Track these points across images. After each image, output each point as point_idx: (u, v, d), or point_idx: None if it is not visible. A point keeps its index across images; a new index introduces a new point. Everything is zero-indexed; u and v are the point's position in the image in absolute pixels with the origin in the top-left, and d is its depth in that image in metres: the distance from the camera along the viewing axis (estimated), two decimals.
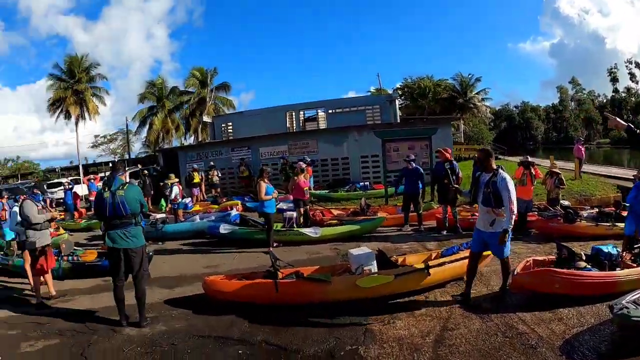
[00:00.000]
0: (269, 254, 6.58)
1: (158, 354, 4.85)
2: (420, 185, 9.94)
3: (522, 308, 4.93)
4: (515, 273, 5.12)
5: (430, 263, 5.58)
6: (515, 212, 4.93)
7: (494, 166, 5.11)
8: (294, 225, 9.68)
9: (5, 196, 11.84)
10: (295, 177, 10.32)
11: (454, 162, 9.67)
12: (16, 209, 8.48)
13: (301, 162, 10.95)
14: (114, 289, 5.70)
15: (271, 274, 5.69)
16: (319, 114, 26.54)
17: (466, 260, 5.40)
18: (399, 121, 24.48)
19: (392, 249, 7.93)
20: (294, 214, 9.92)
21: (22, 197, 7.76)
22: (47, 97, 40.16)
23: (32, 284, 8.15)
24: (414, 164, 10.02)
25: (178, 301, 6.62)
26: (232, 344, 4.81)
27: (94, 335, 5.63)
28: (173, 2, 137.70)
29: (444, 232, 9.27)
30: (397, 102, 25.94)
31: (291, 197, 12.03)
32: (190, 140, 45.48)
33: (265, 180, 8.96)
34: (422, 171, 10.24)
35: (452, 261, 5.77)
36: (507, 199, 4.83)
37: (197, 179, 17.67)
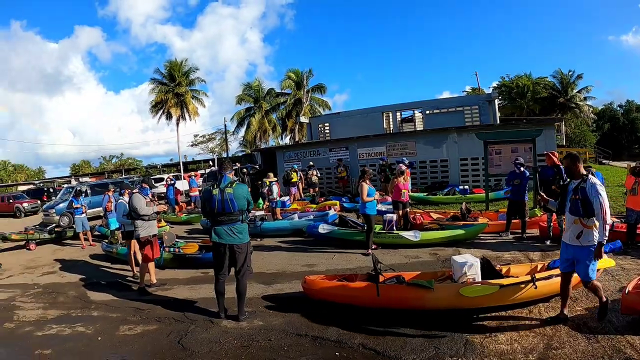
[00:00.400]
0: (370, 256, 6.54)
1: (254, 349, 4.94)
2: (526, 191, 9.44)
3: (632, 330, 4.47)
4: (626, 292, 4.60)
5: (537, 275, 5.21)
6: (609, 222, 4.42)
7: (583, 172, 4.65)
8: (394, 228, 9.52)
9: (112, 189, 12.74)
10: (395, 179, 10.19)
11: (562, 167, 9.10)
12: (122, 201, 9.19)
13: (401, 164, 10.80)
14: (215, 282, 5.91)
15: (372, 277, 5.58)
16: (416, 114, 26.17)
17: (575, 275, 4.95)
18: (498, 122, 23.36)
19: (493, 257, 7.54)
20: (394, 217, 9.74)
21: (132, 191, 8.24)
22: (148, 99, 43.26)
23: (133, 271, 8.89)
24: (522, 168, 9.52)
25: (276, 298, 6.73)
26: (329, 345, 4.81)
27: (191, 325, 5.89)
28: (264, 7, 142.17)
29: (548, 242, 8.63)
30: (496, 101, 24.87)
31: (390, 199, 11.94)
32: (286, 140, 46.70)
33: (367, 182, 8.89)
34: (529, 175, 9.69)
35: (559, 274, 5.28)
36: (598, 207, 4.34)
37: (295, 178, 18.03)
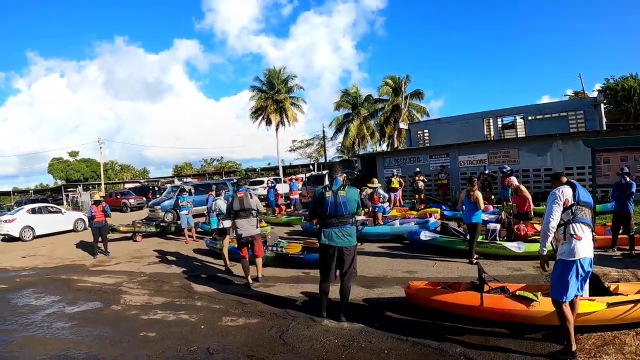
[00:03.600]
0: (476, 264, 6.51)
1: (354, 349, 4.98)
2: (632, 204, 8.80)
3: None
4: None
5: None
6: None
7: None
8: (497, 238, 9.39)
9: (214, 189, 13.43)
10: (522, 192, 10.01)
11: None
12: (220, 201, 9.97)
13: (513, 178, 10.67)
14: (321, 282, 6.08)
15: (477, 286, 5.56)
16: (517, 120, 25.25)
17: None
18: (605, 128, 21.79)
19: (600, 274, 6.93)
20: (498, 226, 9.63)
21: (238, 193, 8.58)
22: (247, 106, 45.81)
23: (226, 265, 9.76)
24: (627, 178, 8.93)
25: (377, 301, 6.79)
26: (430, 352, 4.77)
27: (293, 322, 6.05)
28: (355, 15, 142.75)
29: None
30: (602, 106, 23.22)
31: (491, 208, 11.82)
32: (384, 146, 46.73)
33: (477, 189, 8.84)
34: (635, 187, 8.96)
35: None
36: None
37: (395, 184, 18.18)
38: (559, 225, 4.46)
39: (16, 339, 6.45)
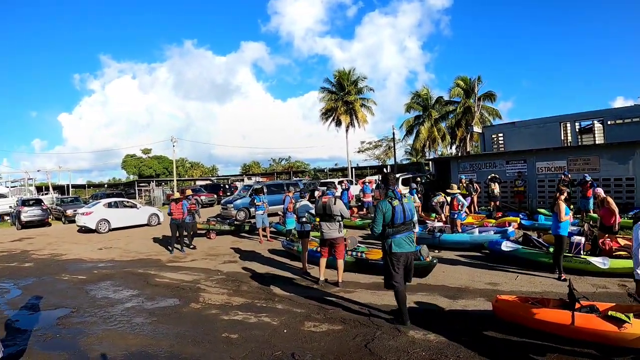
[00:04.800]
0: (564, 280, 6.60)
1: None
2: None
3: None
4: None
5: None
6: None
7: None
8: (581, 252, 9.06)
9: (292, 191, 13.83)
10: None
11: None
12: (302, 202, 10.23)
13: (599, 190, 10.48)
14: (396, 291, 6.21)
15: (568, 304, 5.43)
16: (595, 124, 24.08)
17: None
18: None
19: None
20: (582, 239, 9.24)
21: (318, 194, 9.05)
22: (315, 107, 46.73)
23: (304, 267, 9.78)
24: None
25: (462, 313, 6.75)
26: None
27: (377, 331, 6.05)
28: (420, 15, 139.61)
29: None
30: None
31: (572, 218, 11.61)
32: (453, 149, 46.25)
33: (563, 200, 8.66)
34: None
35: None
36: None
37: (456, 190, 17.78)
38: None
39: (95, 332, 6.67)
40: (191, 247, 14.52)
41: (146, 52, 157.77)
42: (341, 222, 8.77)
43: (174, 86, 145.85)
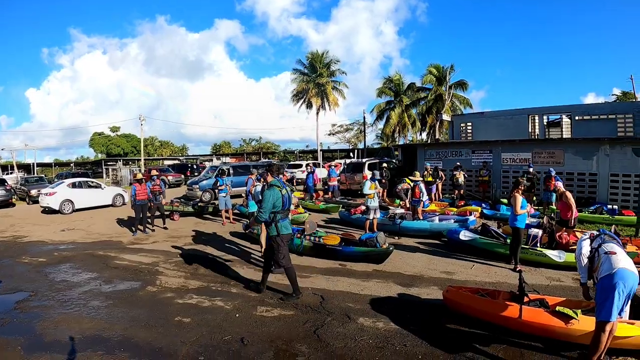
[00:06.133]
0: (518, 272, 6.53)
1: (389, 352, 4.99)
2: None
3: None
4: None
5: None
6: None
7: None
8: (537, 245, 9.08)
9: (255, 173, 13.71)
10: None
11: None
12: (259, 185, 10.14)
13: (559, 183, 10.44)
14: (288, 268, 6.94)
15: (517, 297, 5.46)
16: (563, 119, 24.42)
17: None
18: None
19: None
20: (540, 232, 9.27)
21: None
22: (287, 88, 46.40)
23: (262, 250, 9.37)
24: None
25: (413, 302, 6.77)
26: None
27: (328, 317, 6.10)
28: (397, 0, 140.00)
29: None
30: None
31: (532, 210, 11.61)
32: (423, 136, 46.35)
33: (520, 193, 8.65)
34: None
35: None
36: None
37: (430, 178, 17.89)
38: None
39: (52, 316, 6.65)
40: (160, 227, 14.31)
41: (118, 27, 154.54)
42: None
43: (145, 62, 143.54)
